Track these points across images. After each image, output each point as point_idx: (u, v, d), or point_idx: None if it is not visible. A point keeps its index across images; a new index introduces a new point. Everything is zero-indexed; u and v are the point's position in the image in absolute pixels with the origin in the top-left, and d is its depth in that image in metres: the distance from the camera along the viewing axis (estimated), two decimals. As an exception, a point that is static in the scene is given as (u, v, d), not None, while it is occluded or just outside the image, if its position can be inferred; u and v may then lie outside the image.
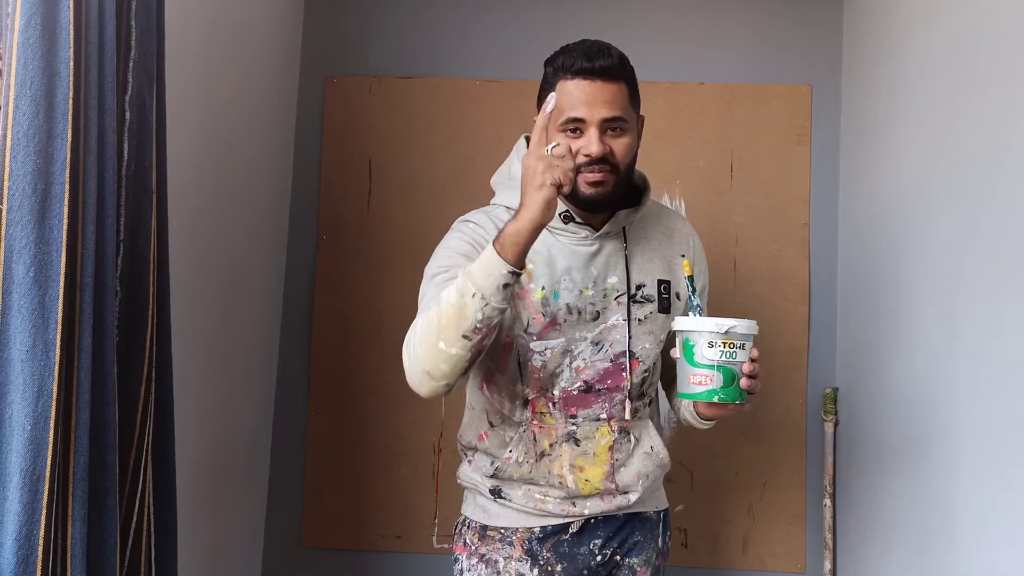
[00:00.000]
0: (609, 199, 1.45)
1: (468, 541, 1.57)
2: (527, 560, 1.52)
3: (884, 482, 1.93)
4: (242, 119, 2.07)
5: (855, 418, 2.15)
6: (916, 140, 1.84)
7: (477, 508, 1.58)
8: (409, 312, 2.55)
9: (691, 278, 1.43)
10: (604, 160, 1.41)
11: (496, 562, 1.53)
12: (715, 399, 1.31)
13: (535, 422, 1.50)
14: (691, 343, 1.32)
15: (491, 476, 1.53)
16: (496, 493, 1.54)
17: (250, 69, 2.11)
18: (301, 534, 2.38)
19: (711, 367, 1.31)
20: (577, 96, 1.40)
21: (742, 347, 1.31)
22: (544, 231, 1.41)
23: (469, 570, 1.56)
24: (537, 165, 1.27)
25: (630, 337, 1.50)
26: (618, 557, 1.57)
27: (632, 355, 1.50)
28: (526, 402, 1.50)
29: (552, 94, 1.40)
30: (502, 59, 2.43)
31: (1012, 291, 1.39)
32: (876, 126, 2.10)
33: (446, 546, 2.33)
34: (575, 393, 1.49)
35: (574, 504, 1.53)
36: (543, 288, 1.47)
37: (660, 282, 1.53)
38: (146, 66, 1.31)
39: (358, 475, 2.38)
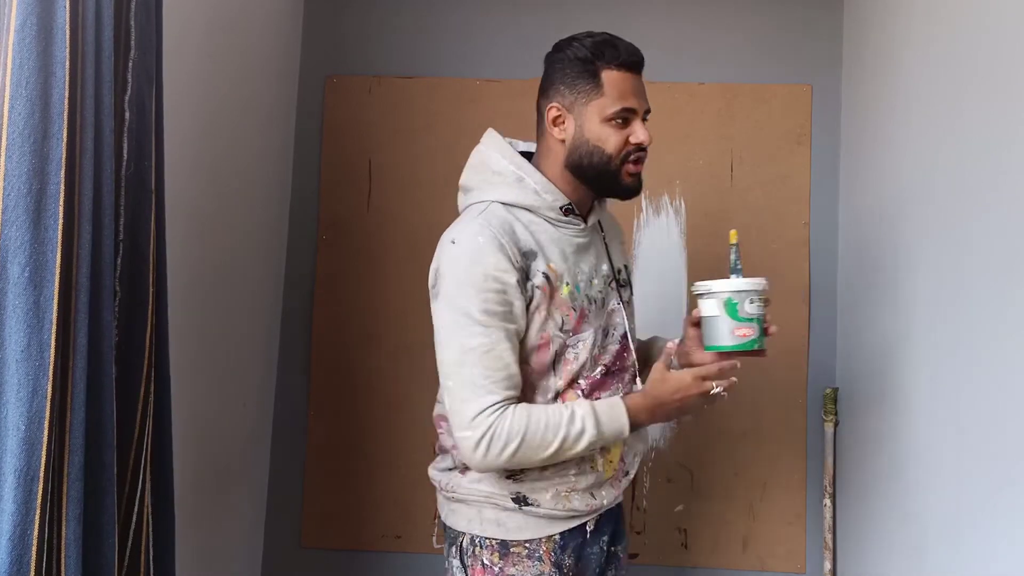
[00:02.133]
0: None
1: (487, 562, 1.47)
2: (556, 572, 1.48)
3: (884, 482, 1.92)
4: (242, 119, 2.07)
5: (855, 418, 2.15)
6: (916, 140, 1.83)
7: (489, 523, 1.49)
8: (409, 312, 2.54)
9: (736, 245, 1.55)
10: (644, 148, 1.50)
11: None
12: (755, 347, 1.48)
13: None
14: (734, 301, 1.47)
15: (512, 480, 1.47)
16: (522, 501, 1.47)
17: (250, 69, 2.11)
18: (301, 534, 2.38)
19: (751, 320, 1.47)
20: (626, 87, 1.47)
21: (765, 302, 1.50)
22: (546, 224, 1.49)
23: None
24: (699, 400, 1.46)
25: (628, 320, 1.58)
26: (610, 548, 1.60)
27: (632, 335, 1.59)
28: (557, 394, 1.49)
29: None
30: (502, 59, 2.43)
31: (1013, 291, 1.38)
32: (876, 126, 2.10)
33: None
34: (598, 378, 1.52)
35: (593, 496, 1.52)
36: (567, 284, 1.48)
37: (624, 266, 1.66)
38: (146, 66, 1.31)
39: (358, 475, 2.38)
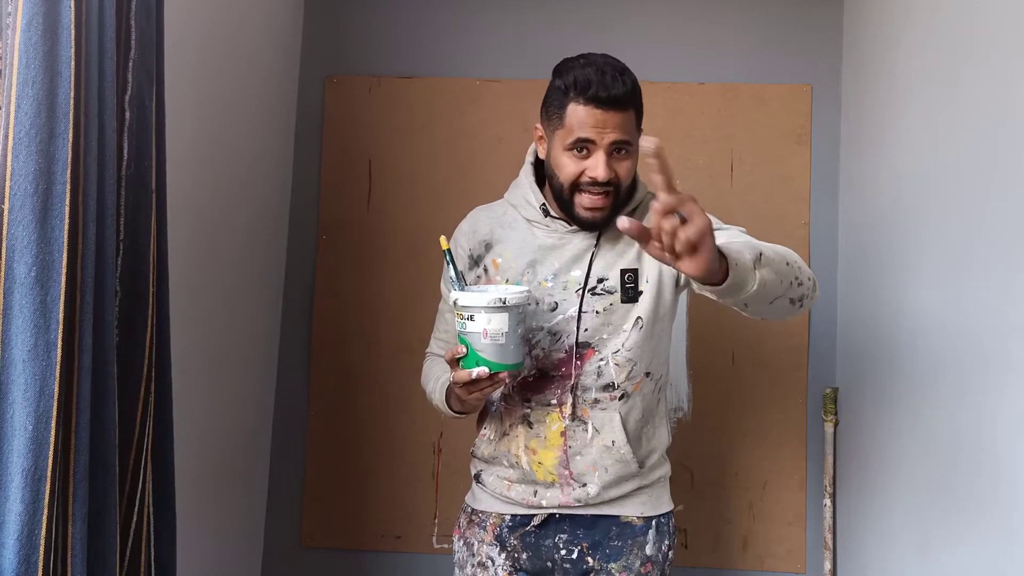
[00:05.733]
0: (605, 222, 1.51)
1: (462, 524, 1.68)
2: (496, 545, 1.61)
3: (884, 482, 1.93)
4: (242, 119, 2.07)
5: (855, 418, 2.15)
6: (916, 139, 1.84)
7: (470, 493, 1.69)
8: (408, 312, 2.54)
9: (448, 251, 1.50)
10: (608, 183, 1.47)
11: (473, 544, 1.63)
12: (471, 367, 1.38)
13: (503, 403, 1.60)
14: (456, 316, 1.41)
15: (478, 459, 1.66)
16: (478, 477, 1.65)
17: (250, 69, 2.11)
18: (301, 534, 2.38)
19: (460, 339, 1.39)
20: (587, 121, 1.45)
21: (470, 318, 1.35)
22: (524, 222, 1.59)
23: (458, 551, 1.67)
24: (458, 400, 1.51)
25: (580, 329, 1.53)
26: (591, 560, 1.58)
27: (586, 345, 1.54)
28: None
29: None
30: (501, 59, 2.43)
31: (1012, 290, 1.39)
32: (876, 126, 2.10)
33: (446, 546, 2.33)
34: (531, 379, 1.56)
35: (535, 494, 1.58)
36: (507, 280, 1.56)
37: (624, 272, 1.54)
38: (146, 66, 1.30)
39: (358, 475, 2.38)
